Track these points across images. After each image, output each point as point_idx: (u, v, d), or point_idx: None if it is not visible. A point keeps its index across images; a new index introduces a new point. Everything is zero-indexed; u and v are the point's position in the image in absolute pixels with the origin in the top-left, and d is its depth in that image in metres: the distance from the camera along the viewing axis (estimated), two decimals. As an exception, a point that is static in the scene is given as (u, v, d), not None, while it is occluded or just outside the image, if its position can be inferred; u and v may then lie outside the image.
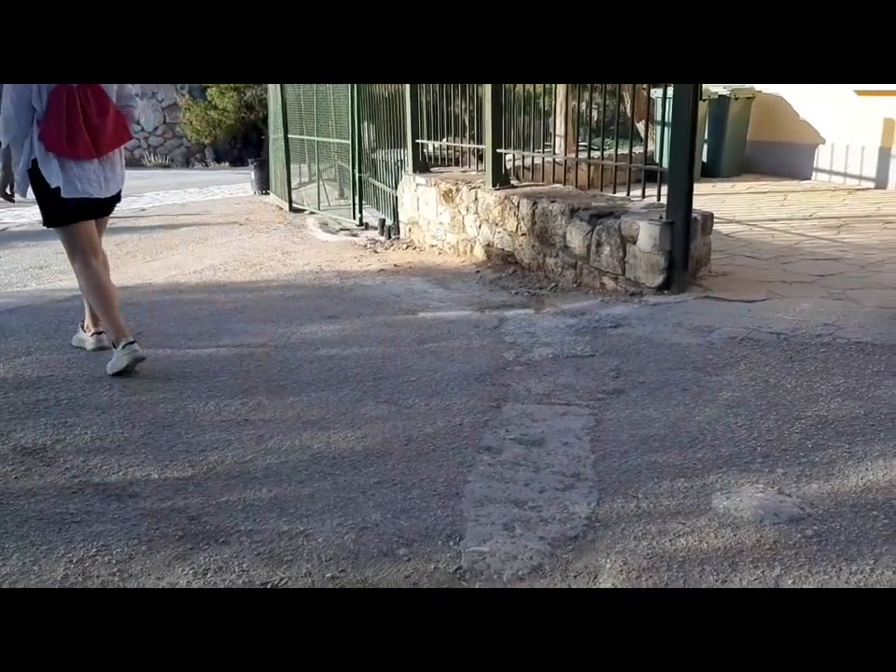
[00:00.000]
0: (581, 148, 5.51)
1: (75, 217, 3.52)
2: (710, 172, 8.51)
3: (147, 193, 11.96)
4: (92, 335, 3.90)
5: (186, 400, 3.23)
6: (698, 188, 4.39)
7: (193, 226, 8.45)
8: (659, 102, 7.96)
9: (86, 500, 2.44)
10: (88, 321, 3.92)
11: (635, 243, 4.35)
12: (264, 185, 11.19)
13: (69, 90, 3.34)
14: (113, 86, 3.53)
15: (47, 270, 6.25)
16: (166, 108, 19.57)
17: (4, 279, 5.92)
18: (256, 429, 2.93)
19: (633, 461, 2.55)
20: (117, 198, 3.71)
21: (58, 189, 3.42)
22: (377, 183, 8.04)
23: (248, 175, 11.97)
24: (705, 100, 8.04)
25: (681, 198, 4.22)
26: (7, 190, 3.55)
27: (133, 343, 3.54)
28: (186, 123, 18.31)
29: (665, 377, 3.24)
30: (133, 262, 6.51)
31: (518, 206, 5.23)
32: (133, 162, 18.89)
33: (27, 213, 9.97)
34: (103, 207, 3.65)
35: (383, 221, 7.46)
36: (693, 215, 4.34)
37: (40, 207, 3.53)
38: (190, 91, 18.79)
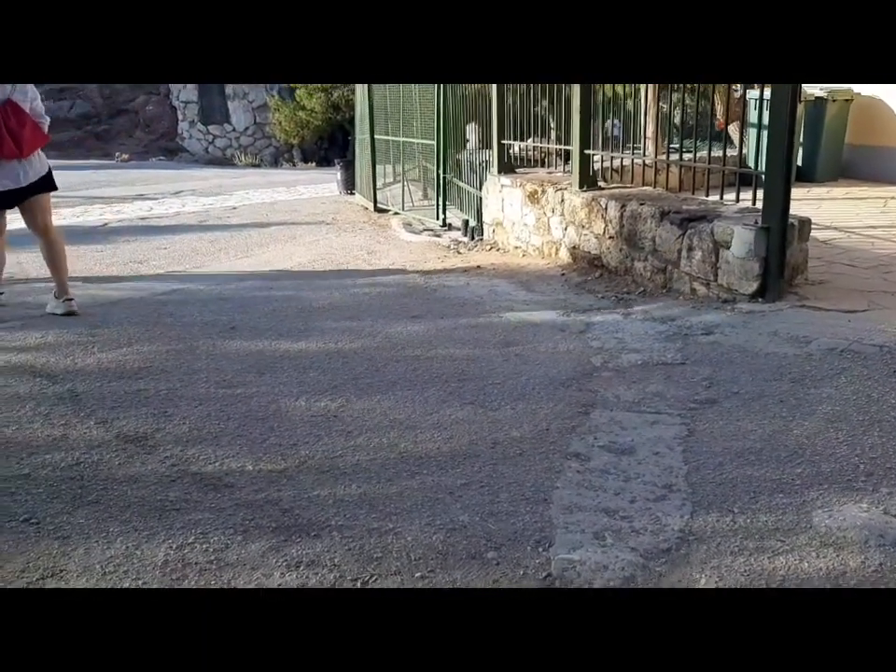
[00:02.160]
0: (671, 150, 5.40)
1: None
2: (805, 176, 8.21)
3: (237, 192, 12.33)
4: None
5: (277, 395, 3.31)
6: (793, 192, 4.24)
7: (282, 224, 8.66)
8: (753, 104, 7.73)
9: (184, 489, 2.53)
10: None
11: (728, 248, 4.24)
12: (350, 185, 11.38)
13: None
14: (27, 102, 4.50)
15: (146, 264, 6.52)
16: (256, 109, 20.13)
17: (105, 272, 6.19)
18: (344, 426, 2.99)
19: (728, 474, 2.48)
20: (44, 184, 4.72)
21: None
22: (461, 184, 8.07)
23: (334, 175, 12.19)
24: (801, 102, 7.76)
25: (778, 202, 4.09)
26: None
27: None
28: (275, 124, 18.81)
29: (760, 388, 3.14)
30: (226, 259, 6.72)
31: (606, 209, 5.16)
32: (225, 162, 19.53)
33: (127, 209, 10.43)
34: (24, 193, 4.64)
35: (466, 222, 7.49)
36: (790, 220, 4.20)
37: None
38: (279, 91, 19.28)
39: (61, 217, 9.84)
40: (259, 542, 2.21)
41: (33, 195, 4.71)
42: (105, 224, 9.09)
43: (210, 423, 3.04)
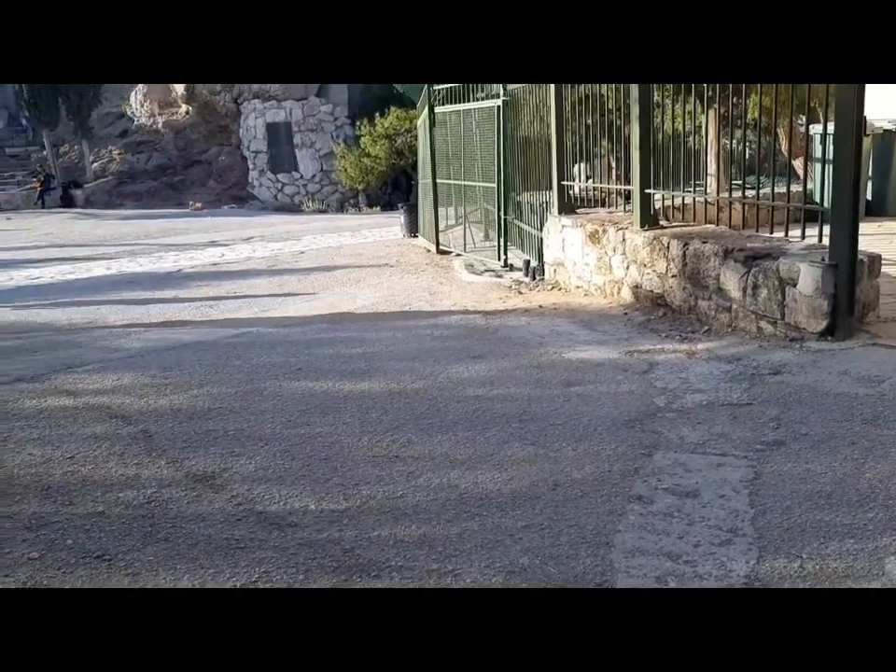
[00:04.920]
0: (733, 187, 5.35)
1: None
2: (876, 211, 8.00)
3: (305, 237, 12.67)
4: None
5: (340, 434, 3.37)
6: (862, 227, 4.15)
7: (347, 268, 8.85)
8: (817, 138, 7.60)
9: (249, 528, 2.59)
10: None
11: (795, 286, 4.15)
12: (413, 228, 11.58)
13: None
14: None
15: (216, 308, 6.74)
16: (323, 157, 20.72)
17: (178, 315, 6.43)
18: (406, 466, 3.01)
19: (796, 518, 2.41)
20: None
21: None
22: (522, 225, 8.13)
23: (398, 218, 12.43)
24: (868, 135, 7.60)
25: (846, 238, 4.00)
26: None
27: None
28: (341, 171, 19.32)
29: (830, 429, 3.05)
30: (293, 302, 6.90)
31: (668, 247, 5.13)
32: (293, 208, 20.12)
33: (200, 255, 10.82)
34: None
35: (527, 262, 7.52)
36: (859, 256, 4.10)
37: None
38: (345, 139, 19.84)
39: (138, 264, 10.29)
40: (321, 582, 2.24)
41: None
42: (180, 270, 9.45)
43: (275, 462, 3.11)
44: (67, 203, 22.47)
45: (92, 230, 15.80)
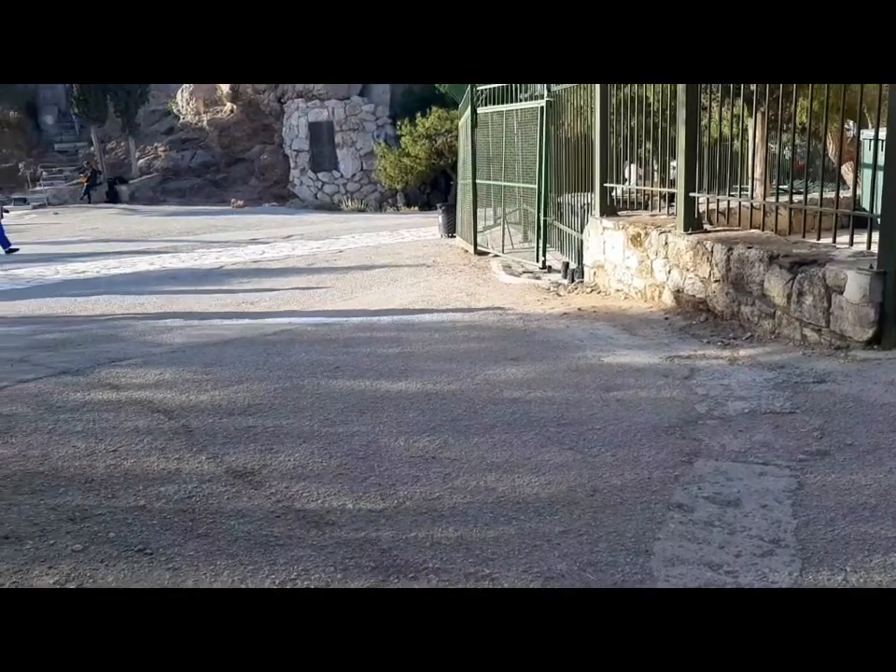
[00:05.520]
0: (780, 192, 5.26)
1: None
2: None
3: (343, 236, 12.76)
4: None
5: (378, 434, 3.38)
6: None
7: (385, 267, 8.89)
8: (867, 144, 7.44)
9: (288, 525, 2.61)
10: None
11: (841, 293, 4.07)
12: (451, 228, 11.60)
13: None
14: None
15: (256, 305, 6.82)
16: (363, 156, 20.84)
17: (219, 311, 6.52)
18: (443, 467, 3.01)
19: (840, 530, 2.36)
20: None
21: None
22: (561, 226, 8.09)
23: (436, 218, 12.47)
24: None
25: (895, 246, 3.91)
26: None
27: None
28: (380, 170, 19.43)
29: (875, 440, 2.98)
30: (331, 300, 6.96)
31: (711, 252, 5.06)
32: (332, 207, 20.27)
33: (241, 252, 10.96)
34: None
35: (566, 264, 7.48)
36: (909, 264, 4.01)
37: None
38: (385, 139, 19.93)
39: (181, 260, 10.45)
40: (359, 581, 2.25)
41: None
42: (221, 267, 9.58)
43: (314, 460, 3.13)
44: (112, 198, 22.94)
45: (137, 225, 16.10)
